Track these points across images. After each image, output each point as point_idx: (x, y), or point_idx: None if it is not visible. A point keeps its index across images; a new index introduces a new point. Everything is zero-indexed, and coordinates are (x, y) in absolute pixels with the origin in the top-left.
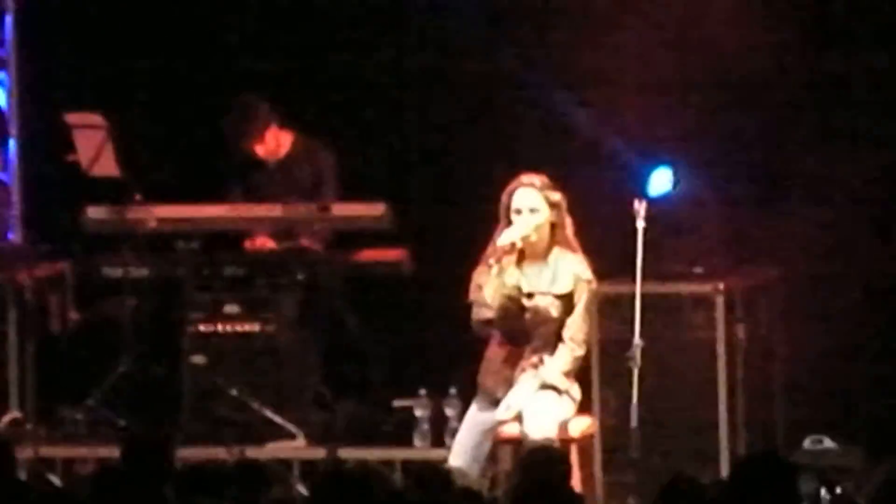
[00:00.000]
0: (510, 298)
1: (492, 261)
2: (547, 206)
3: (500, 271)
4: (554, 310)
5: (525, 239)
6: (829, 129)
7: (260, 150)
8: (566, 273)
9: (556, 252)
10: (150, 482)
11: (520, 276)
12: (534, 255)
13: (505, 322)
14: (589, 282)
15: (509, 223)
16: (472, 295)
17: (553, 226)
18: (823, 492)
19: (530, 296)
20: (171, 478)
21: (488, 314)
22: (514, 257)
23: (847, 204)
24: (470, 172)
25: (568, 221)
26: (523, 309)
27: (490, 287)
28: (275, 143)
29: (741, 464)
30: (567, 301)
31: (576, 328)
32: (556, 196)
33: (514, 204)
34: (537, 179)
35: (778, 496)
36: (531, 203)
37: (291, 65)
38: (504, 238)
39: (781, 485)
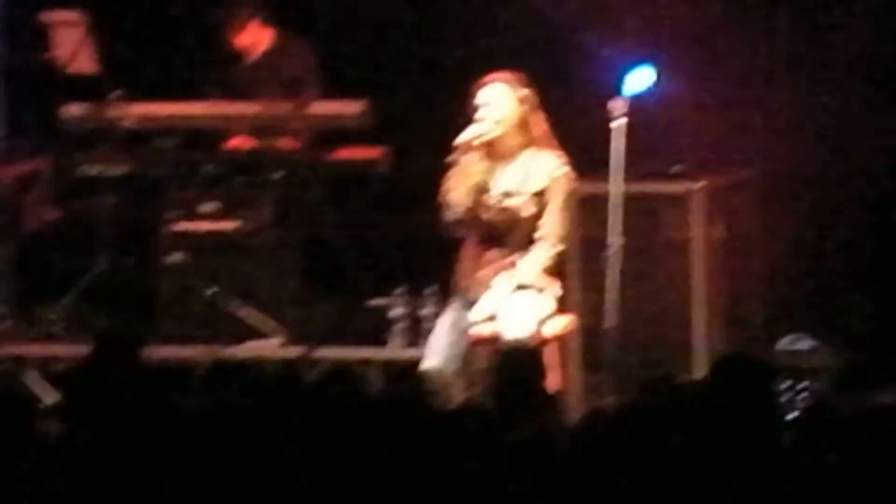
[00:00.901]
0: (480, 197)
1: (454, 158)
2: (515, 102)
3: (465, 169)
4: (526, 209)
5: (488, 134)
6: (810, 21)
7: (240, 41)
8: (539, 171)
9: (529, 151)
10: (118, 380)
11: (490, 174)
12: (505, 153)
13: (476, 221)
14: (566, 176)
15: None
16: (442, 196)
17: (524, 123)
18: (794, 389)
19: (504, 195)
20: (142, 376)
21: (458, 214)
22: (477, 154)
23: (826, 98)
24: (449, 70)
25: (540, 118)
26: (496, 208)
27: (457, 186)
28: (256, 36)
29: (717, 364)
30: (541, 199)
31: (552, 224)
32: (524, 91)
33: (477, 100)
34: (503, 75)
35: (754, 396)
36: (494, 97)
37: None
38: (463, 135)
39: (757, 385)
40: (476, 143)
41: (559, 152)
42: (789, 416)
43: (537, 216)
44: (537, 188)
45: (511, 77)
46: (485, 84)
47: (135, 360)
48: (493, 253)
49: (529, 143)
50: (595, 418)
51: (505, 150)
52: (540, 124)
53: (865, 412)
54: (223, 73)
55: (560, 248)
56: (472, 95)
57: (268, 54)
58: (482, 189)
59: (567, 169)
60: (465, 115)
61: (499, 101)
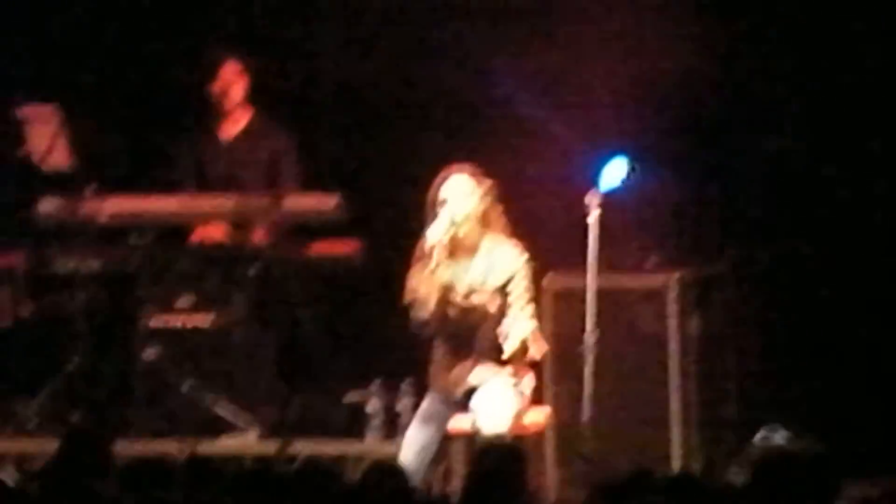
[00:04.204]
0: (447, 296)
1: (419, 256)
2: (478, 195)
3: (433, 269)
4: (492, 306)
5: (454, 231)
6: (783, 115)
7: (215, 88)
8: (501, 264)
9: (488, 241)
10: (88, 476)
11: (453, 273)
12: (467, 246)
13: (443, 324)
14: (526, 266)
15: (437, 215)
16: (408, 296)
17: (486, 215)
18: None
19: (466, 295)
20: (112, 472)
21: (425, 315)
22: (444, 252)
23: (803, 190)
24: (422, 163)
25: (499, 209)
26: (461, 306)
27: (424, 287)
28: (229, 80)
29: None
30: (504, 293)
31: (523, 305)
32: (486, 183)
33: (441, 195)
34: (465, 167)
35: None
36: (458, 191)
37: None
38: (432, 235)
39: None
40: (444, 241)
41: (516, 242)
42: None
43: (502, 311)
44: (500, 282)
45: (472, 169)
46: (447, 176)
47: (105, 454)
48: (459, 356)
49: (489, 233)
50: None
51: (467, 243)
52: (499, 215)
53: None
54: (199, 148)
55: (534, 324)
56: (435, 187)
57: (246, 133)
58: (448, 288)
59: (526, 256)
60: (426, 207)
61: (462, 195)
